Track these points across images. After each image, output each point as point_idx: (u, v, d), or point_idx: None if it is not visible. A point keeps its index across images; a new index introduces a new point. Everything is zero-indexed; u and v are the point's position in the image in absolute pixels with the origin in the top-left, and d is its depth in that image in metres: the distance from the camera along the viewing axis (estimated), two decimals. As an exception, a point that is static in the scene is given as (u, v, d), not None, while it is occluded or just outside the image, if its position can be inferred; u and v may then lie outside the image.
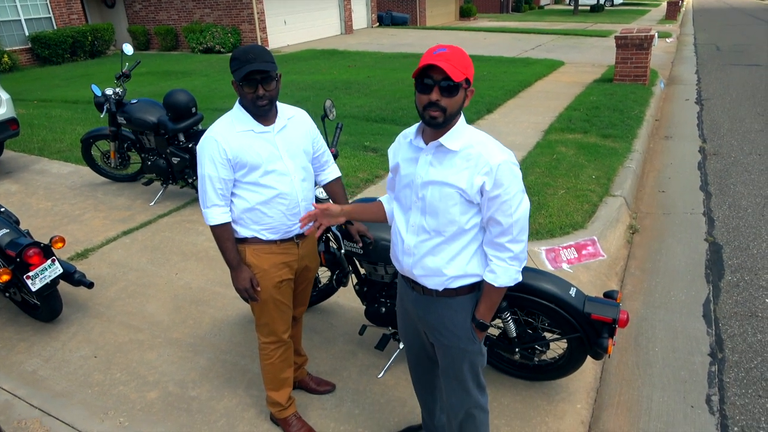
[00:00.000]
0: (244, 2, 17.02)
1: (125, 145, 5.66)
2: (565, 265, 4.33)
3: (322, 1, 20.41)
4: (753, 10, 37.31)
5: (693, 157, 6.93)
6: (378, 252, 2.82)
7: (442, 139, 1.84)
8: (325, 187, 2.71)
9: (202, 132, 5.09)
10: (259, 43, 17.14)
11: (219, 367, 3.19)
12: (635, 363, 3.31)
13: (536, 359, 2.97)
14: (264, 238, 2.39)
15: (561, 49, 16.09)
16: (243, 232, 2.38)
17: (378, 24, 24.31)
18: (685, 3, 40.43)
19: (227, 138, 2.25)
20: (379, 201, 2.24)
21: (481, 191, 1.82)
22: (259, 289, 2.41)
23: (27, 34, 15.48)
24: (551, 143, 6.99)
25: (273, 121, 2.34)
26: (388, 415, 2.85)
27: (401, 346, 3.13)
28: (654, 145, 7.62)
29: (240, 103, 2.32)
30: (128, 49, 5.41)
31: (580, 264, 4.34)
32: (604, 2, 39.04)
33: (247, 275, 2.38)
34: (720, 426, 2.82)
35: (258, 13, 17.15)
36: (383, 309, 3.04)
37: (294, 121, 2.42)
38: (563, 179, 5.71)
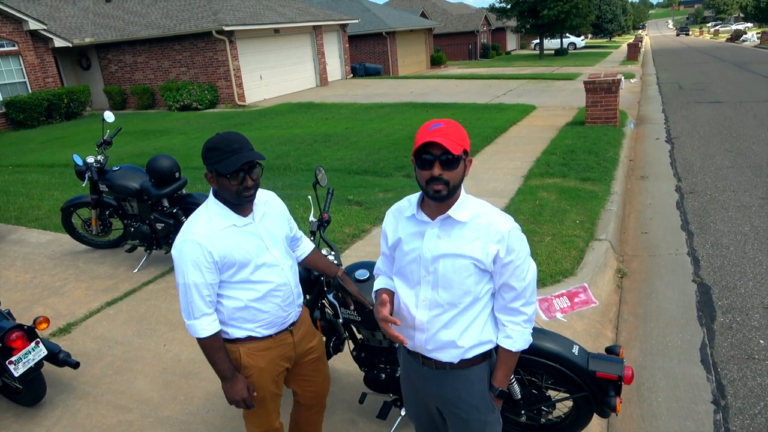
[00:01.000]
0: (220, 60, 17.29)
1: (107, 212, 5.57)
2: (559, 315, 4.31)
3: (297, 56, 20.86)
4: (707, 48, 39.19)
5: (671, 197, 7.09)
6: (374, 319, 2.76)
7: (451, 212, 1.84)
8: (305, 262, 2.62)
9: (187, 197, 5.05)
10: (236, 99, 17.37)
11: (214, 446, 3.05)
12: (640, 415, 3.26)
13: (542, 419, 2.90)
14: (259, 335, 2.24)
15: (531, 94, 16.59)
16: (235, 333, 2.22)
17: (352, 75, 24.85)
18: (643, 44, 42.30)
19: (211, 239, 2.07)
20: (384, 288, 2.11)
21: (495, 259, 1.84)
22: (255, 394, 2.27)
23: (1, 99, 15.42)
24: (532, 189, 7.09)
25: (250, 210, 2.21)
26: (395, 489, 2.74)
27: (403, 412, 3.04)
28: (631, 186, 7.78)
29: (216, 195, 2.17)
30: (109, 116, 5.41)
31: (573, 312, 4.33)
32: (568, 46, 40.64)
33: (243, 385, 2.20)
34: (733, 479, 2.77)
35: (234, 69, 17.41)
36: (383, 375, 2.96)
37: (270, 207, 2.31)
38: (548, 225, 5.77)
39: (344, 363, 3.68)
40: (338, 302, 2.80)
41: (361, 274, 2.81)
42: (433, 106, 14.70)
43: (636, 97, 15.44)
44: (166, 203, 5.02)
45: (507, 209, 6.41)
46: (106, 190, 5.21)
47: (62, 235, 6.31)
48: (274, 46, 19.50)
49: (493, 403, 2.01)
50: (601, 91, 10.56)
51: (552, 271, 4.79)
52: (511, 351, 1.94)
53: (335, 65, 23.76)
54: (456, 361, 1.95)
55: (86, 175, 5.26)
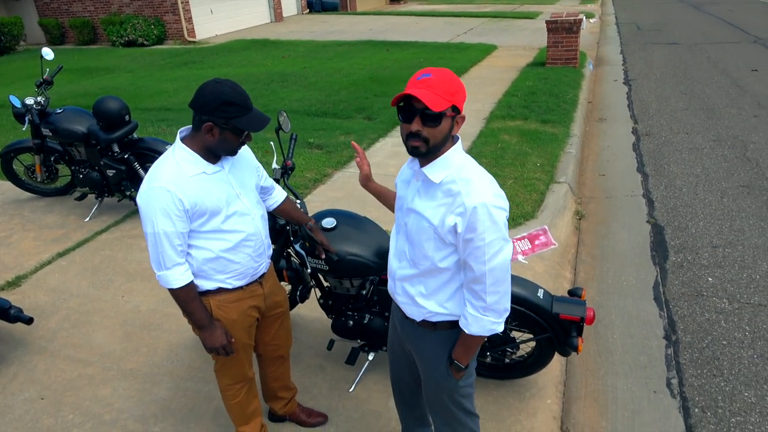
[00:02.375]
0: (166, -8, 16.20)
1: (52, 158, 5.25)
2: (520, 257, 4.37)
3: (249, -11, 19.74)
4: (665, -13, 39.11)
5: (627, 139, 7.21)
6: (344, 268, 2.73)
7: (425, 169, 1.74)
8: (277, 211, 2.57)
9: (138, 141, 4.80)
10: (185, 35, 16.43)
11: (180, 397, 3.03)
12: (597, 351, 3.41)
13: (507, 360, 2.99)
14: (230, 286, 2.19)
15: (492, 33, 16.31)
16: (205, 284, 2.15)
17: (308, 10, 23.81)
18: (603, -18, 41.75)
19: (180, 186, 1.96)
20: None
21: (453, 231, 1.70)
22: (233, 340, 2.23)
23: None
24: (494, 132, 7.07)
25: (220, 157, 2.12)
26: (364, 430, 2.80)
27: (370, 357, 3.08)
28: (590, 128, 7.86)
29: (184, 141, 2.04)
30: (48, 53, 4.99)
31: (534, 254, 4.41)
32: (528, -17, 39.79)
33: (221, 332, 2.16)
34: (682, 409, 2.95)
35: (182, 2, 16.37)
36: (350, 322, 2.97)
37: (238, 155, 2.21)
38: (510, 169, 5.80)
39: (310, 310, 3.67)
40: (306, 252, 2.74)
41: (328, 222, 2.75)
42: (393, 44, 14.29)
43: (595, 38, 15.40)
44: (116, 148, 4.75)
45: (469, 152, 6.39)
46: (50, 134, 4.87)
47: (3, 182, 5.94)
48: (224, -23, 18.36)
49: (449, 371, 1.95)
50: (563, 31, 10.46)
51: (514, 214, 4.84)
52: (464, 332, 1.83)
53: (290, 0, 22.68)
54: (418, 319, 1.92)
55: (26, 118, 4.90)
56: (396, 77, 10.12)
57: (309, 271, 2.83)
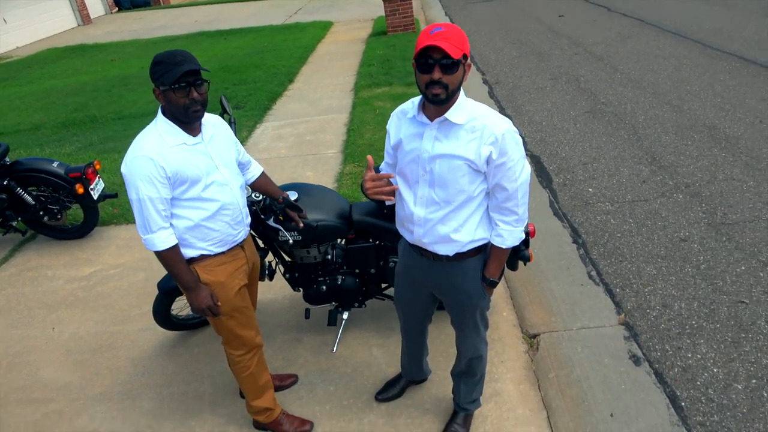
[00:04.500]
0: (-55, 4, 13.92)
1: None
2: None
3: (44, -9, 17.65)
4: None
5: (482, 89, 7.96)
6: (318, 234, 2.87)
7: (448, 114, 1.91)
8: (254, 185, 2.65)
9: (15, 165, 4.33)
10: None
11: (168, 403, 2.96)
12: (528, 265, 3.92)
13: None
14: (212, 252, 2.29)
15: (322, 10, 16.52)
16: (188, 252, 2.25)
17: (117, 9, 21.93)
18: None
19: (163, 155, 2.07)
20: None
21: (488, 160, 1.91)
22: (219, 303, 2.32)
23: None
24: (367, 100, 7.38)
25: (199, 130, 2.22)
26: (361, 380, 2.99)
27: (345, 316, 3.25)
28: (446, 85, 8.51)
29: (164, 113, 2.14)
30: None
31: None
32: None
33: (206, 292, 2.26)
34: (607, 292, 3.56)
35: (-32, 14, 14.20)
36: (324, 287, 3.11)
37: (217, 129, 2.33)
38: (396, 130, 6.15)
39: (263, 294, 3.71)
40: (280, 225, 2.82)
41: (292, 195, 2.84)
42: (228, 32, 13.86)
43: (419, 3, 16.35)
44: (-12, 176, 4.23)
45: (351, 123, 6.64)
46: None
47: None
48: (11, -19, 16.18)
49: (484, 291, 2.24)
50: (397, -1, 11.02)
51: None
52: (501, 248, 2.10)
53: (94, -1, 20.68)
54: (452, 254, 2.14)
55: None
56: (247, 64, 9.94)
57: (282, 242, 2.90)
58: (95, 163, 4.42)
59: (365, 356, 3.15)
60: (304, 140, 6.34)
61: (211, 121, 2.31)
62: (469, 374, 2.57)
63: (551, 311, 3.44)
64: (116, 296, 3.86)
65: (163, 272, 4.03)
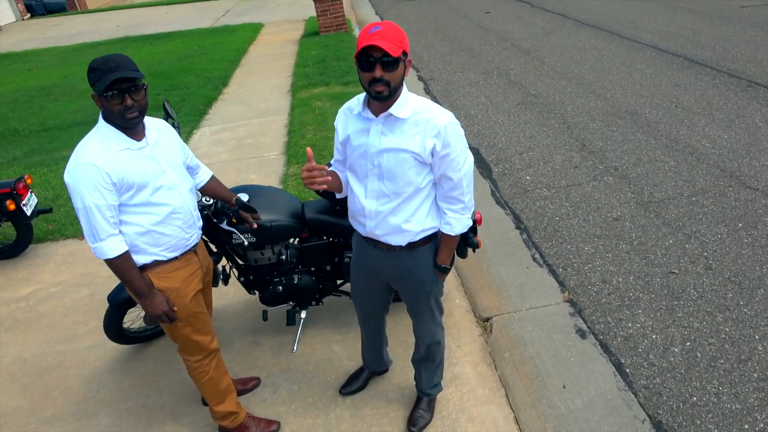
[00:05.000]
0: None
1: None
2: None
3: (-54, -2, 16.45)
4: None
5: (418, 85, 8.11)
6: (273, 235, 2.87)
7: (392, 109, 1.97)
8: (204, 189, 2.62)
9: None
10: None
11: (127, 418, 2.88)
12: (475, 252, 4.07)
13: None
14: (164, 258, 2.26)
15: (251, 12, 16.30)
16: (141, 259, 2.21)
17: (30, 15, 20.72)
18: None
19: (107, 160, 2.03)
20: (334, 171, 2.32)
21: (433, 152, 1.99)
22: (175, 308, 2.30)
23: None
24: (305, 101, 7.38)
25: (143, 135, 2.18)
26: (324, 376, 3.03)
27: (303, 315, 3.27)
28: (383, 83, 8.62)
29: (105, 118, 2.10)
30: None
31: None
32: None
33: (161, 298, 2.23)
34: (550, 272, 3.75)
35: None
36: (280, 287, 3.12)
37: (162, 133, 2.29)
38: (337, 129, 6.19)
39: (217, 299, 3.66)
40: (234, 228, 2.80)
41: (243, 197, 2.83)
42: (154, 37, 13.42)
43: (349, 3, 16.41)
44: None
45: (292, 124, 6.63)
46: None
47: None
48: None
49: (437, 277, 2.34)
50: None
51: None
52: (450, 235, 2.18)
53: (4, 4, 19.45)
54: (404, 244, 2.22)
55: None
56: (178, 68, 9.69)
57: (236, 244, 2.89)
58: (26, 177, 4.21)
59: (326, 353, 3.19)
60: (244, 144, 6.27)
61: (155, 125, 2.27)
62: (428, 359, 2.66)
63: (501, 295, 3.59)
64: (60, 315, 3.71)
65: (109, 286, 3.91)
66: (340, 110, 2.22)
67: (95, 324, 3.55)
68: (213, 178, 2.64)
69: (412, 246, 2.23)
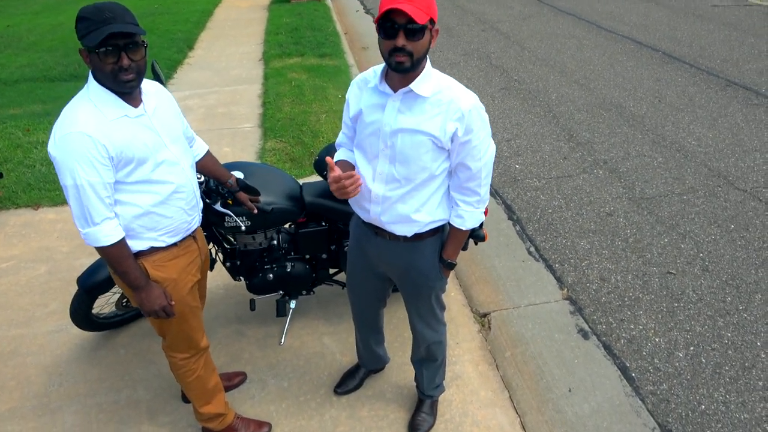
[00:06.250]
0: None
1: None
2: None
3: None
4: None
5: (397, 63, 7.84)
6: (271, 219, 2.60)
7: (413, 85, 1.74)
8: (199, 165, 2.31)
9: None
10: None
11: (97, 414, 2.58)
12: (477, 244, 3.90)
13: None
14: (163, 244, 1.96)
15: (215, -28, 15.44)
16: (135, 245, 1.90)
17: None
18: None
19: (103, 130, 1.71)
20: (344, 159, 2.06)
21: (453, 137, 1.78)
22: (173, 303, 2.03)
23: None
24: (280, 71, 6.98)
25: (140, 101, 1.85)
26: (316, 372, 2.81)
27: (293, 305, 3.03)
28: (359, 57, 8.29)
29: (96, 78, 1.76)
30: None
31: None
32: None
33: (159, 291, 1.95)
34: (547, 267, 3.63)
35: None
36: (271, 275, 2.86)
37: (160, 99, 1.96)
38: (316, 104, 5.88)
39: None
40: (229, 210, 2.51)
41: (238, 175, 2.55)
42: (109, -9, 12.50)
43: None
44: None
45: (266, 95, 6.25)
46: None
47: None
48: None
49: (441, 272, 2.11)
50: (302, -36, 10.51)
51: (343, 144, 5.00)
52: (461, 229, 1.98)
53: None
54: (410, 234, 2.00)
55: None
56: (138, 27, 9.02)
57: (228, 228, 2.60)
58: (-27, 137, 3.73)
59: (316, 346, 2.96)
60: (215, 113, 5.86)
61: (152, 89, 1.93)
62: (429, 360, 2.47)
63: (498, 289, 3.44)
64: (13, 294, 3.32)
65: (71, 263, 3.54)
66: (353, 81, 1.96)
67: (56, 306, 3.19)
68: (209, 153, 2.34)
69: (418, 237, 2.02)
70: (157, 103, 1.92)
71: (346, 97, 1.99)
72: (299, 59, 7.47)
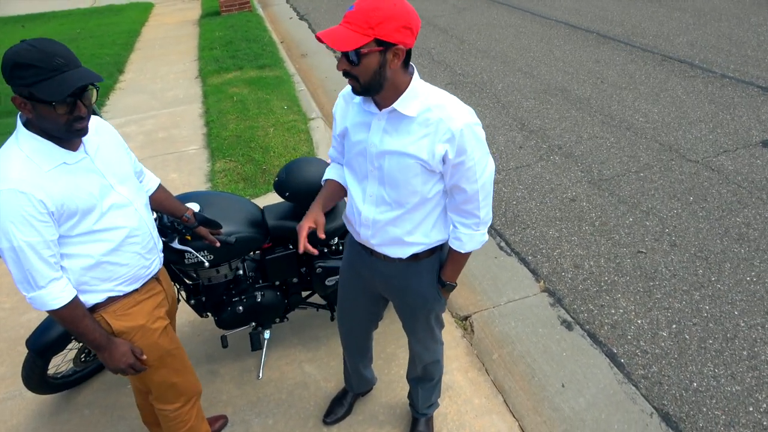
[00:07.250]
0: None
1: None
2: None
3: None
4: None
5: (336, 72, 7.69)
6: (235, 249, 2.43)
7: (396, 104, 1.60)
8: (151, 199, 2.11)
9: None
10: None
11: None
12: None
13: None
14: (121, 294, 1.78)
15: (137, -10, 14.87)
16: (91, 299, 1.71)
17: None
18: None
19: (39, 184, 1.51)
20: (332, 180, 1.91)
21: (444, 159, 1.63)
22: (144, 357, 1.84)
23: None
24: (219, 87, 6.72)
25: (80, 142, 1.64)
26: (301, 404, 2.65)
27: (267, 335, 2.86)
28: (300, 65, 8.11)
29: (28, 125, 1.56)
30: None
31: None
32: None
33: (124, 348, 1.76)
34: (520, 261, 3.59)
35: None
36: (240, 308, 2.68)
37: (103, 136, 1.75)
38: (262, 118, 5.67)
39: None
40: (188, 246, 2.32)
41: (194, 207, 2.36)
42: (25, 18, 11.82)
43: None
44: None
45: (208, 114, 5.99)
46: None
47: None
48: None
49: (440, 293, 1.99)
50: (229, -24, 10.23)
51: (295, 157, 4.84)
52: (459, 252, 1.84)
53: None
54: (404, 257, 1.87)
55: None
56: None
57: (189, 265, 2.41)
58: None
59: (297, 375, 2.81)
60: (156, 138, 5.57)
61: (91, 125, 1.71)
62: (426, 379, 2.36)
63: (474, 289, 3.37)
64: (-47, 362, 3.00)
65: (15, 320, 3.24)
66: (340, 94, 1.82)
67: (4, 370, 2.91)
68: (161, 186, 2.14)
69: (414, 258, 1.89)
70: (100, 141, 1.72)
71: (333, 111, 1.86)
72: (238, 73, 7.22)
